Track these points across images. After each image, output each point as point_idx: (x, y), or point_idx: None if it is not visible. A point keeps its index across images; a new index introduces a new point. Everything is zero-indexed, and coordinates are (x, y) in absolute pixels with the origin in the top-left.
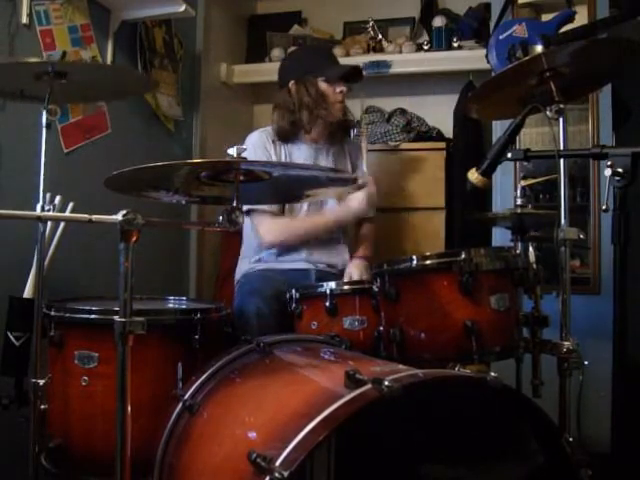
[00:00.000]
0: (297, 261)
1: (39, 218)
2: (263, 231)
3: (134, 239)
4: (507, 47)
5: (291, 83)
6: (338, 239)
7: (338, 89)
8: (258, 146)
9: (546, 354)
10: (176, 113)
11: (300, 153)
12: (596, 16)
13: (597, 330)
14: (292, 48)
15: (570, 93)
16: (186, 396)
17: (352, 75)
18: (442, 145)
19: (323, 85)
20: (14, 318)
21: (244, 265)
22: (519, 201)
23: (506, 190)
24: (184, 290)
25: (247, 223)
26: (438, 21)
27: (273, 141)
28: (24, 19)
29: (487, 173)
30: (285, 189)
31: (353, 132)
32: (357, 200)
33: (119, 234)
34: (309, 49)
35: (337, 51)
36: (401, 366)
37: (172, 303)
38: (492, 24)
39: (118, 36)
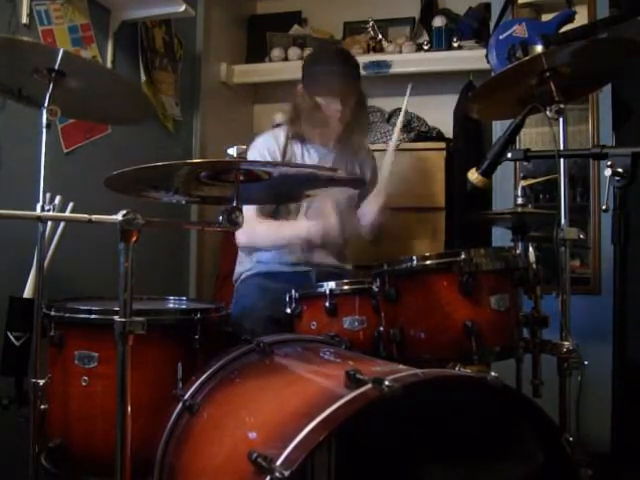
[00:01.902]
0: (297, 264)
1: (39, 218)
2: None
3: (134, 239)
4: (507, 47)
5: (299, 87)
6: (339, 244)
7: (331, 106)
8: (263, 151)
9: (546, 354)
10: (175, 113)
11: (308, 155)
12: (596, 16)
13: (597, 330)
14: (293, 48)
15: (570, 93)
16: (186, 396)
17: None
18: (442, 145)
19: (319, 98)
20: (14, 318)
21: (243, 264)
22: (519, 201)
23: (506, 190)
24: (184, 290)
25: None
26: (438, 21)
27: (279, 144)
28: (24, 19)
29: (487, 173)
30: (285, 189)
31: None
32: (308, 227)
33: (119, 234)
34: (323, 54)
35: None
36: (401, 366)
37: (172, 303)
38: (492, 24)
39: (118, 36)
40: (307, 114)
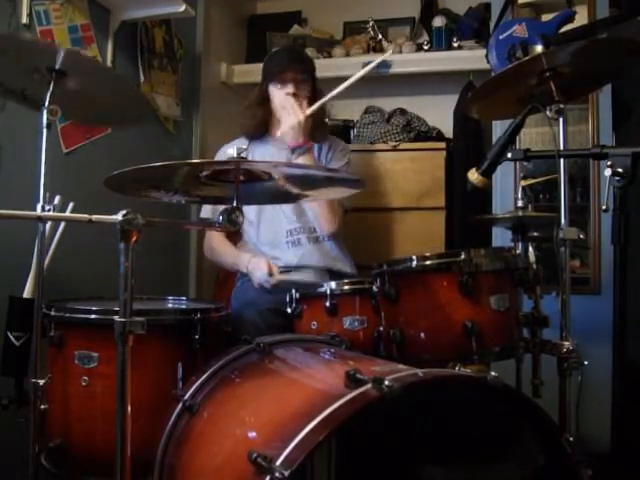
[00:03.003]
0: (294, 264)
1: (39, 218)
2: (206, 243)
3: (134, 239)
4: (507, 47)
5: (256, 89)
6: (323, 236)
7: (285, 91)
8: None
9: (546, 354)
10: (175, 113)
11: (267, 153)
12: (596, 16)
13: (597, 330)
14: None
15: (570, 93)
16: (186, 396)
17: (294, 72)
18: (442, 145)
19: (273, 89)
20: (14, 318)
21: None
22: (520, 202)
23: (506, 190)
24: (184, 290)
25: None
26: (438, 21)
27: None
28: (24, 19)
29: (487, 173)
30: (284, 189)
31: (353, 132)
32: (252, 276)
33: (119, 234)
34: (275, 52)
35: (337, 51)
36: (401, 366)
37: (172, 303)
38: (492, 24)
39: (118, 36)
40: (257, 107)
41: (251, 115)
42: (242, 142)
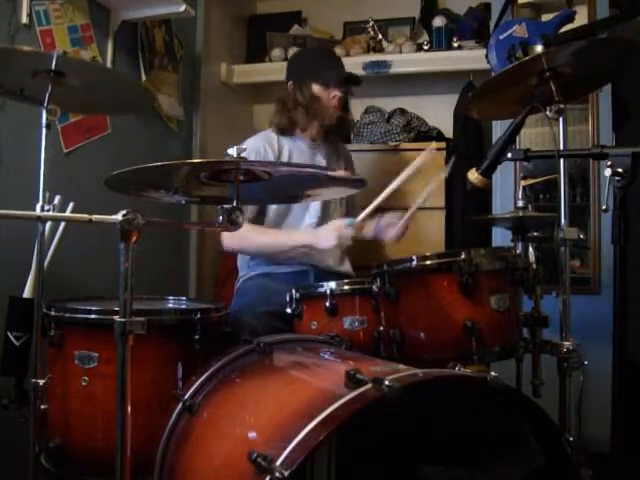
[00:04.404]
0: (294, 264)
1: (39, 218)
2: (223, 235)
3: (134, 239)
4: (507, 47)
5: (290, 83)
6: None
7: (332, 94)
8: (256, 151)
9: (546, 354)
10: (178, 113)
11: (297, 149)
12: (596, 16)
13: (597, 330)
14: (293, 48)
15: (570, 93)
16: (186, 396)
17: (350, 81)
18: (442, 145)
19: (317, 89)
20: (14, 318)
21: (242, 268)
22: (520, 202)
23: (506, 190)
24: (184, 290)
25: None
26: (438, 21)
27: (270, 142)
28: (24, 19)
29: (487, 173)
30: (285, 189)
31: (353, 132)
32: (327, 239)
33: (119, 234)
34: (315, 51)
35: (337, 51)
36: (401, 366)
37: (172, 303)
38: (492, 24)
39: (118, 36)
40: (304, 106)
41: (289, 113)
42: (270, 136)
